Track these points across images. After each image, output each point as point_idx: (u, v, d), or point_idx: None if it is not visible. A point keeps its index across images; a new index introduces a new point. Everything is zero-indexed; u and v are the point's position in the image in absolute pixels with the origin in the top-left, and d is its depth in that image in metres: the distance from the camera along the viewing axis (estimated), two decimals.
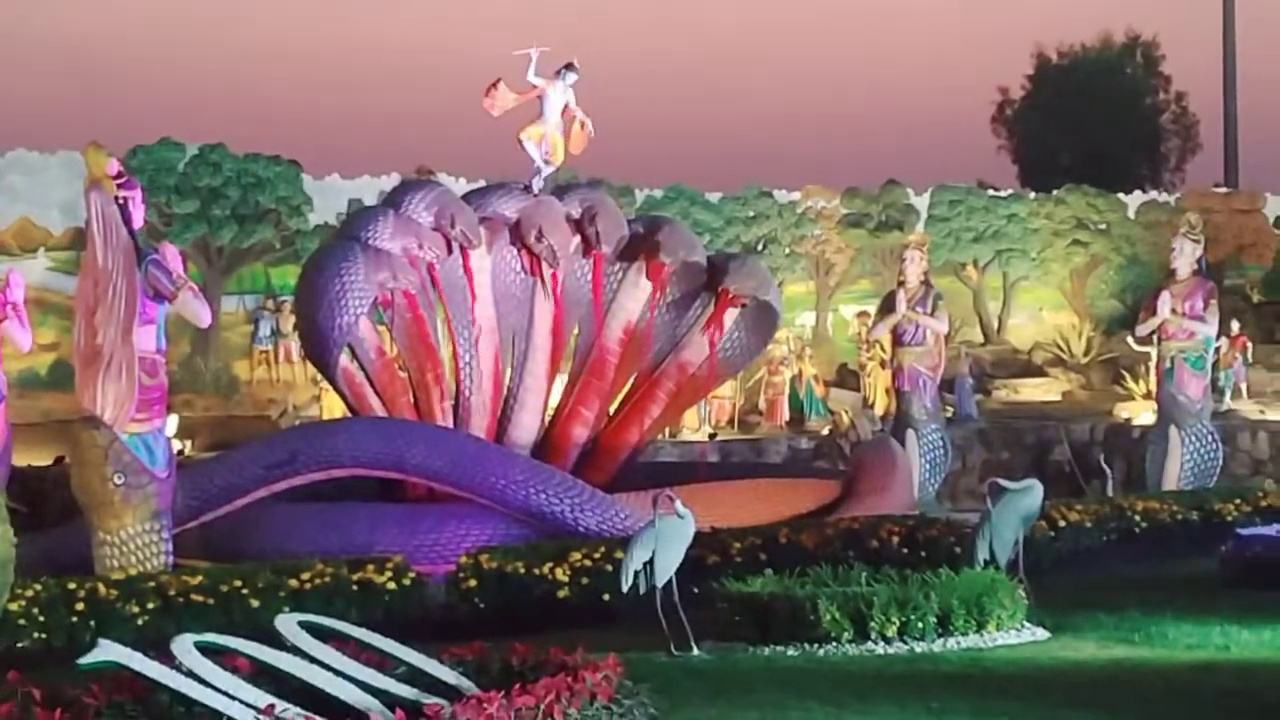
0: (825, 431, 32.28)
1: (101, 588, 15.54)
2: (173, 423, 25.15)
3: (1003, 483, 16.48)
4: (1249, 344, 35.54)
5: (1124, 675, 12.71)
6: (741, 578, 15.54)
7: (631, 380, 23.97)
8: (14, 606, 14.74)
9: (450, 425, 22.15)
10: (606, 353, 23.52)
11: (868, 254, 39.78)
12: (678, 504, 14.44)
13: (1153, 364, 28.18)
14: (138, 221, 16.79)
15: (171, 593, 15.65)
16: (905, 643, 13.96)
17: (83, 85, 72.15)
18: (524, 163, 22.72)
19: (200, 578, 15.99)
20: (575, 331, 24.03)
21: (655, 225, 24.08)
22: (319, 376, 26.31)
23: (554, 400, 23.90)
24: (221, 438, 29.13)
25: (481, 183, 28.45)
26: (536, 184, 22.86)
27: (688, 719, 11.15)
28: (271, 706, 9.33)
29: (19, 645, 14.82)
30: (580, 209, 23.06)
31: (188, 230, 32.93)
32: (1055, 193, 42.50)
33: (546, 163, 22.65)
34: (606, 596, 16.17)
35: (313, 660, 10.08)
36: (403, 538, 18.93)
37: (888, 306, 26.62)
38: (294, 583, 16.13)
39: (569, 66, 22.49)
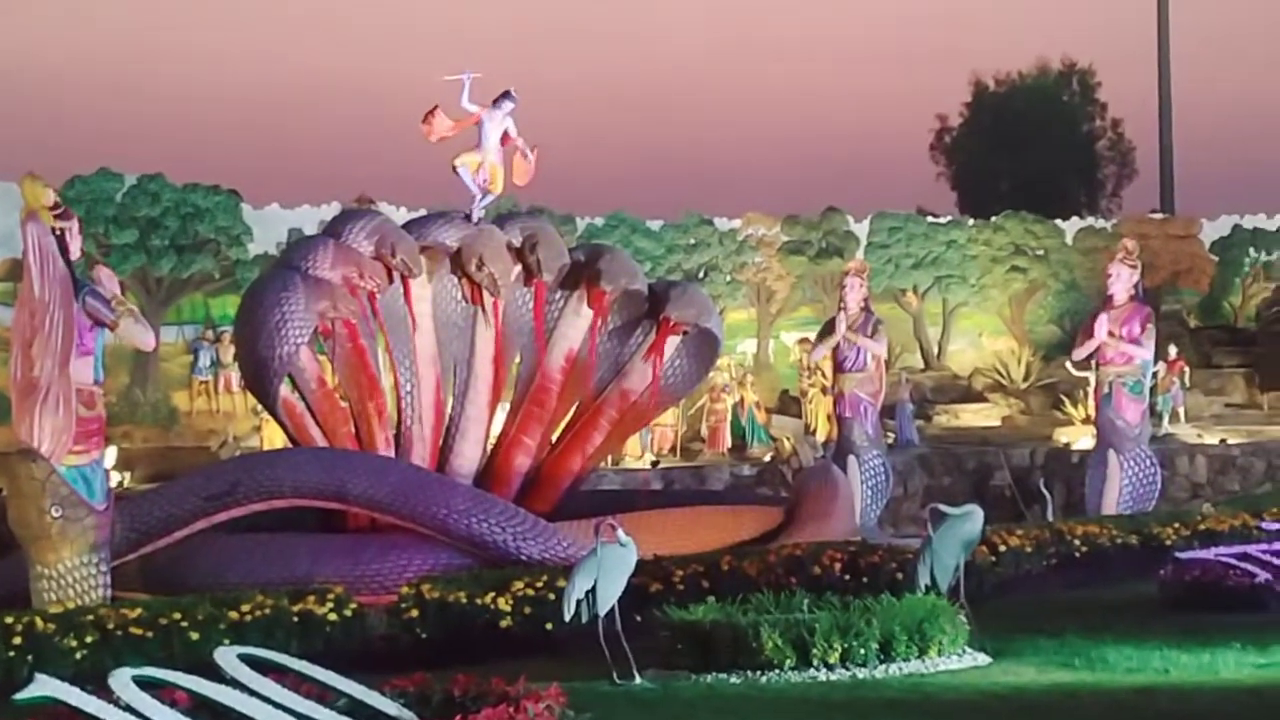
0: (767, 458, 32.33)
1: (39, 621, 15.39)
2: (111, 454, 24.98)
3: (943, 508, 16.53)
4: (1186, 368, 35.83)
5: (1064, 699, 12.77)
6: (684, 606, 15.54)
7: (574, 408, 23.95)
8: None
9: (392, 455, 22.07)
10: (548, 381, 23.49)
11: (808, 281, 39.95)
12: (620, 532, 14.45)
13: (1091, 389, 28.37)
14: (75, 252, 16.70)
15: (110, 626, 15.52)
16: (848, 669, 13.98)
17: (18, 115, 71.68)
18: (464, 191, 22.72)
19: (139, 611, 15.87)
20: (517, 360, 24.00)
21: (596, 253, 24.09)
22: (259, 407, 26.16)
23: (496, 429, 23.84)
24: (161, 469, 28.94)
25: (422, 211, 28.43)
26: (477, 212, 22.85)
27: None
28: None
29: None
30: (521, 237, 23.05)
31: (126, 261, 32.76)
32: (994, 219, 42.81)
33: (485, 191, 22.66)
34: (549, 625, 16.15)
35: (253, 693, 10.02)
36: (344, 568, 18.83)
37: (829, 331, 26.74)
38: (234, 615, 16.03)
39: (506, 95, 22.54)
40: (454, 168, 22.52)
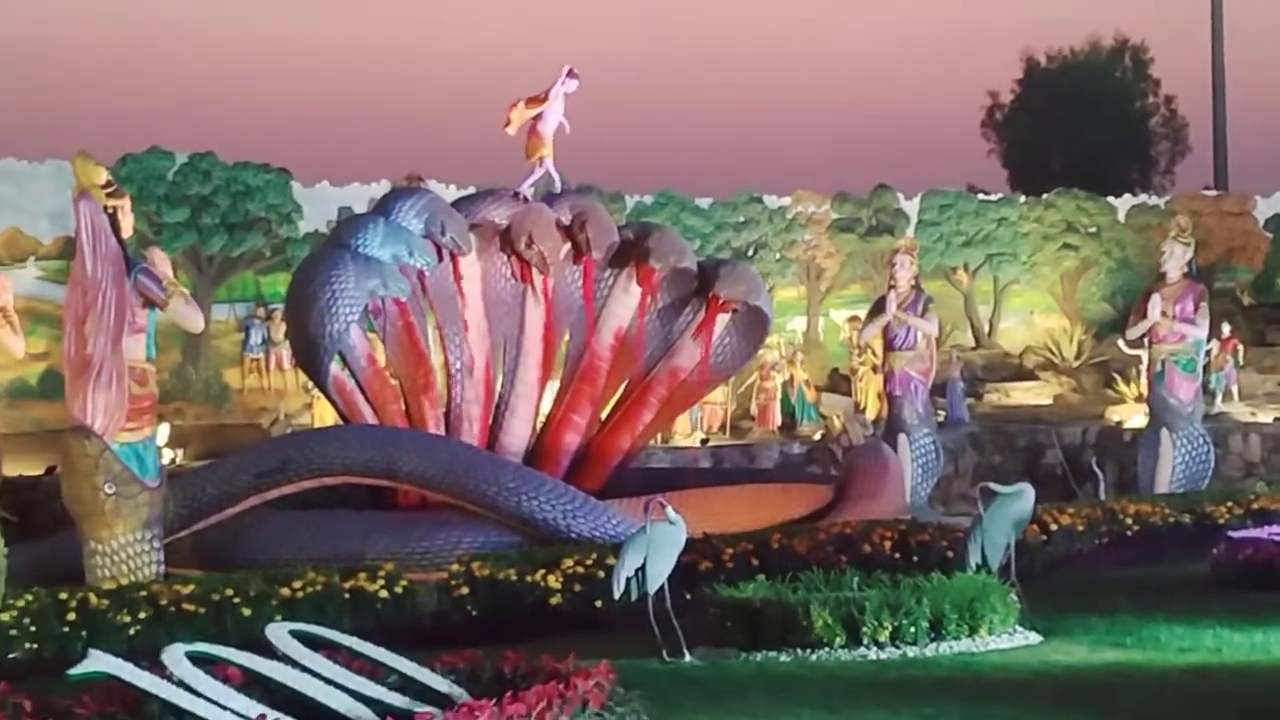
0: (817, 436, 32.28)
1: (93, 598, 15.49)
2: (164, 432, 25.16)
3: (994, 487, 16.46)
4: (1239, 346, 35.57)
5: (1116, 679, 12.70)
6: (733, 583, 15.53)
7: (623, 386, 23.97)
8: (5, 617, 14.73)
9: (442, 432, 22.12)
10: (598, 359, 23.51)
11: (858, 259, 39.82)
12: (669, 510, 14.43)
13: (1144, 367, 28.18)
14: (127, 230, 16.79)
15: (163, 602, 15.61)
16: (897, 647, 13.95)
17: (72, 94, 72.08)
18: (514, 169, 22.81)
19: (192, 587, 15.96)
20: (566, 338, 24.02)
21: (645, 231, 24.08)
22: (310, 384, 26.29)
23: (545, 407, 23.88)
24: (213, 446, 29.09)
25: (471, 189, 28.48)
26: (526, 190, 22.89)
27: None
28: (263, 716, 9.30)
29: (10, 656, 14.76)
30: (570, 215, 23.06)
31: (177, 239, 32.90)
32: (1045, 196, 42.56)
33: (543, 169, 22.83)
34: (599, 603, 16.14)
35: (304, 669, 10.05)
36: (395, 545, 18.90)
37: (878, 309, 26.66)
38: (286, 591, 16.10)
39: (571, 74, 22.63)
40: (539, 160, 22.72)
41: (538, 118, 22.72)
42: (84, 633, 15.06)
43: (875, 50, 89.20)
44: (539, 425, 23.54)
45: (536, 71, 22.46)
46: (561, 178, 23.76)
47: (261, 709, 9.40)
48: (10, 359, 22.73)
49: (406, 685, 10.32)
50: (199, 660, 9.85)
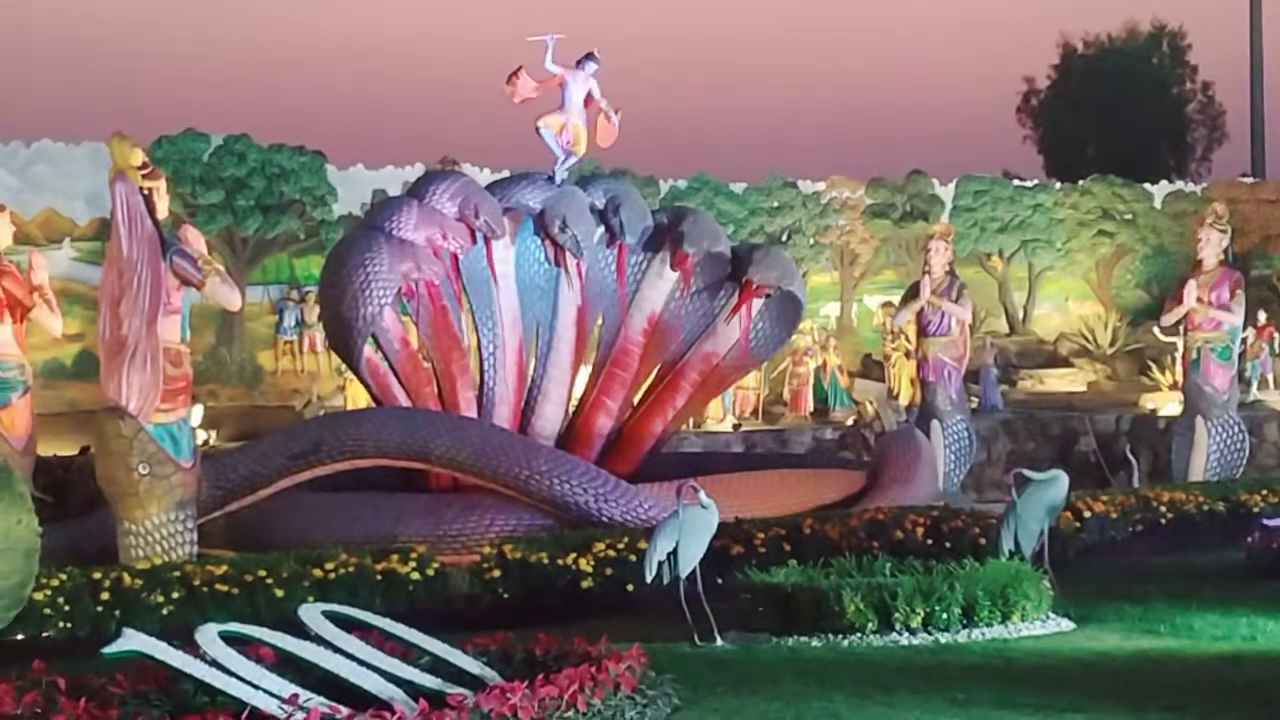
0: (850, 422, 32.22)
1: (126, 577, 15.56)
2: (197, 413, 25.23)
3: (1028, 473, 16.42)
4: (1276, 334, 35.42)
5: (1149, 666, 12.66)
6: (765, 568, 15.52)
7: (656, 371, 23.96)
8: (39, 596, 14.78)
9: (475, 416, 22.15)
10: (630, 343, 23.51)
11: (892, 244, 39.73)
12: (701, 494, 14.43)
13: (1179, 354, 28.10)
14: (162, 212, 16.84)
15: (196, 582, 15.68)
16: (930, 634, 13.92)
17: (108, 76, 72.34)
18: (547, 153, 22.74)
19: (225, 567, 16.02)
20: (599, 322, 24.02)
21: (679, 216, 24.05)
22: (343, 367, 26.34)
23: (578, 391, 23.89)
24: (246, 428, 29.19)
25: (505, 173, 28.47)
26: (560, 174, 22.87)
27: (711, 709, 11.12)
28: (295, 696, 9.33)
29: (44, 635, 14.84)
30: (604, 199, 23.05)
31: (212, 221, 32.99)
32: (1081, 183, 42.40)
33: (568, 153, 22.70)
34: (630, 587, 16.16)
35: (336, 650, 10.08)
36: (427, 528, 18.96)
37: (912, 295, 26.57)
38: (318, 573, 16.15)
39: (589, 56, 22.54)
40: (537, 129, 22.56)
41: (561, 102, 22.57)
42: (117, 612, 15.14)
43: (911, 35, 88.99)
44: (571, 409, 23.56)
45: (571, 56, 22.32)
46: (596, 162, 23.70)
47: (294, 689, 9.43)
48: (46, 338, 22.91)
49: (438, 667, 10.35)
50: (232, 640, 9.89)
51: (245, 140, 34.13)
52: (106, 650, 9.63)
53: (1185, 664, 12.73)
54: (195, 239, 17.42)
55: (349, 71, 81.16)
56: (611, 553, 16.98)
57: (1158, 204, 42.37)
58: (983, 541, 17.45)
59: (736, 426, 31.80)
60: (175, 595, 15.49)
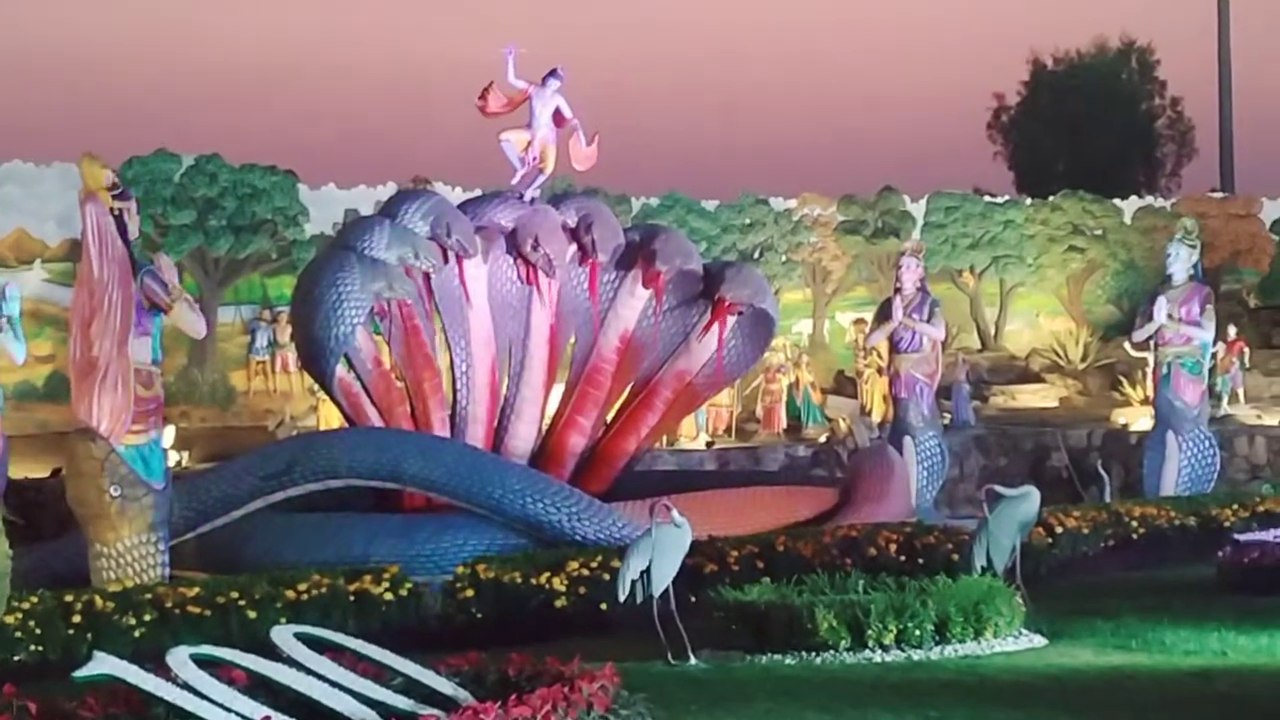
0: (823, 439, 32.28)
1: (98, 600, 15.51)
2: (169, 434, 25.12)
3: (1000, 489, 16.47)
4: (1246, 349, 35.51)
5: (1121, 682, 12.71)
6: (738, 586, 15.55)
7: (628, 389, 23.98)
8: (10, 619, 14.73)
9: (447, 435, 22.14)
10: (603, 361, 23.53)
11: (864, 261, 39.78)
12: (674, 513, 14.44)
13: (1150, 369, 28.17)
14: (133, 233, 16.80)
15: (168, 604, 15.63)
16: (902, 650, 13.95)
17: (78, 97, 72.18)
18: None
19: (197, 589, 15.98)
20: (572, 340, 24.03)
21: (651, 233, 24.09)
22: (316, 387, 26.29)
23: (551, 409, 23.89)
24: (218, 449, 29.11)
25: (477, 192, 28.49)
26: (532, 193, 22.89)
27: None
28: (268, 718, 9.31)
29: (15, 658, 14.75)
30: (576, 217, 23.08)
31: (184, 241, 32.89)
32: (1051, 199, 42.50)
33: (537, 170, 22.81)
34: (604, 606, 16.15)
35: (309, 672, 10.06)
36: (399, 548, 18.92)
37: (884, 314, 26.57)
38: (291, 594, 16.12)
39: (553, 73, 22.61)
40: (500, 140, 22.62)
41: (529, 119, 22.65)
42: (89, 635, 15.07)
43: (881, 52, 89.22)
44: (544, 428, 23.56)
45: (538, 73, 22.35)
46: (568, 181, 23.74)
47: (266, 711, 9.42)
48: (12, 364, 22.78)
49: (411, 688, 10.33)
50: (204, 663, 9.86)
51: (217, 160, 34.04)
52: (78, 674, 9.60)
53: (1157, 679, 12.78)
54: (168, 269, 17.34)
55: (321, 91, 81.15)
56: (585, 572, 16.99)
57: (1128, 219, 42.49)
58: (955, 558, 17.50)
59: (710, 444, 31.81)
60: (147, 618, 15.44)
